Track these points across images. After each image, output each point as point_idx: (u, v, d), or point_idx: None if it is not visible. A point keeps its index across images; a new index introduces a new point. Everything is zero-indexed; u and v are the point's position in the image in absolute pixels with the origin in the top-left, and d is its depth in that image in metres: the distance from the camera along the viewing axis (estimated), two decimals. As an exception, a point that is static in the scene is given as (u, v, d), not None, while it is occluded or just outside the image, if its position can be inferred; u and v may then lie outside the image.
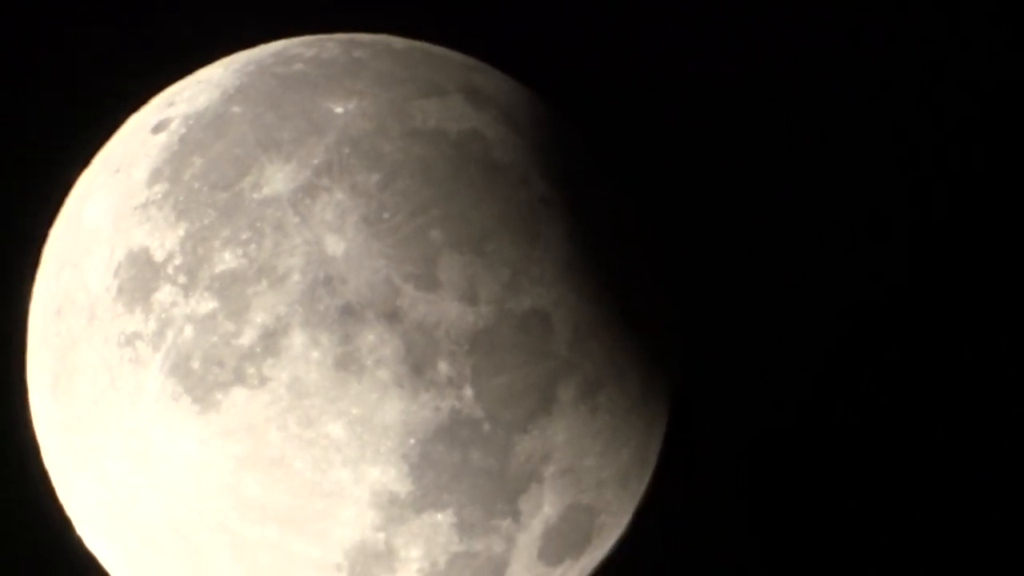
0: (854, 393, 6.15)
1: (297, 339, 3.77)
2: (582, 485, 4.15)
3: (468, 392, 3.85)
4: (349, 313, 3.78)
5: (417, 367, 3.79)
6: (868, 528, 6.06)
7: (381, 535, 3.91)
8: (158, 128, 4.26)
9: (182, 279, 3.87)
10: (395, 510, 3.88)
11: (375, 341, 3.77)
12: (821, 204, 6.23)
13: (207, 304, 3.83)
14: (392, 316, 3.78)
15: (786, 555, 6.04)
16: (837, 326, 6.19)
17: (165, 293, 3.89)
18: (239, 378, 3.80)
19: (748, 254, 6.14)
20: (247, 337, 3.79)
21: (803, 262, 6.17)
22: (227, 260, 3.84)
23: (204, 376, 3.82)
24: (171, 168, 4.07)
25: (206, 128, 4.13)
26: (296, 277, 3.79)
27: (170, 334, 3.87)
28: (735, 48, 6.21)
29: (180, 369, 3.85)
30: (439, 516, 3.92)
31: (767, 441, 6.07)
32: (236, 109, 4.14)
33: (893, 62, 6.33)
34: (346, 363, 3.77)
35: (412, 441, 3.82)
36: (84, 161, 4.58)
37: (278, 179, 3.90)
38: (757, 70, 6.19)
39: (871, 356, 6.18)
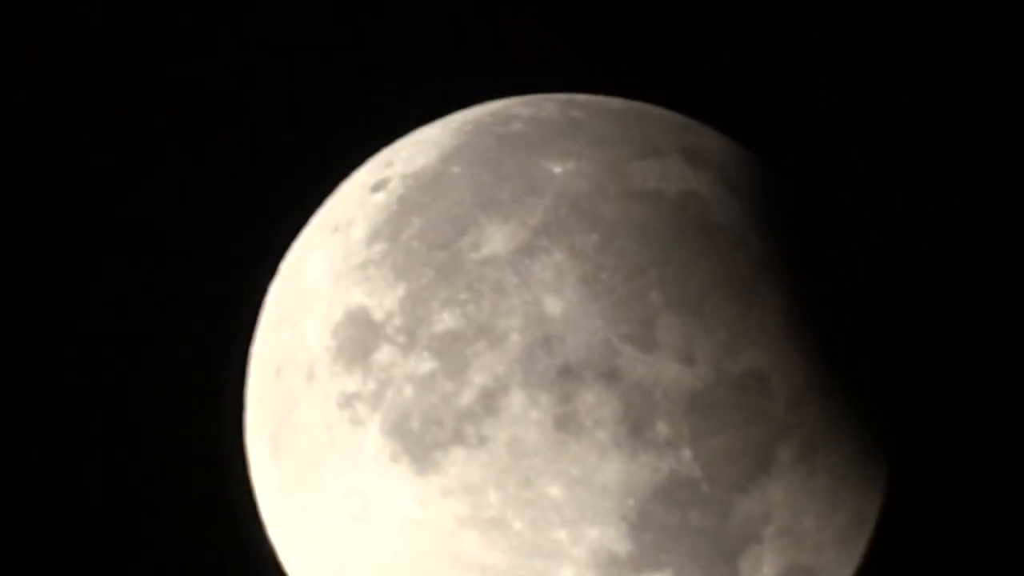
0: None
1: (516, 399, 3.76)
2: (802, 546, 4.09)
3: (686, 453, 3.80)
4: (568, 373, 3.75)
5: (636, 428, 3.76)
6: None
7: (600, 595, 3.88)
8: (377, 187, 4.29)
9: (401, 339, 3.89)
10: (614, 570, 3.85)
11: (594, 401, 3.75)
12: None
13: (426, 364, 3.84)
14: (611, 376, 3.75)
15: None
16: None
17: (384, 353, 3.91)
18: (458, 438, 3.80)
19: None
20: (466, 397, 3.79)
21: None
22: (446, 320, 3.85)
23: (423, 436, 3.84)
24: (390, 227, 4.10)
25: (425, 188, 4.16)
26: (515, 337, 3.79)
27: (389, 394, 3.88)
28: (938, 116, 6.13)
29: (399, 429, 3.87)
30: (658, 576, 3.88)
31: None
32: (455, 169, 4.16)
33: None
34: (565, 423, 3.75)
35: (631, 502, 3.79)
36: (302, 220, 4.65)
37: (497, 239, 3.91)
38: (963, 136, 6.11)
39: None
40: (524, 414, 3.77)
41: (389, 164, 4.40)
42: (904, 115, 6.06)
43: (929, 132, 6.07)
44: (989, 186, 6.08)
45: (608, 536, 3.82)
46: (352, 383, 3.97)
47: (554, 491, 3.78)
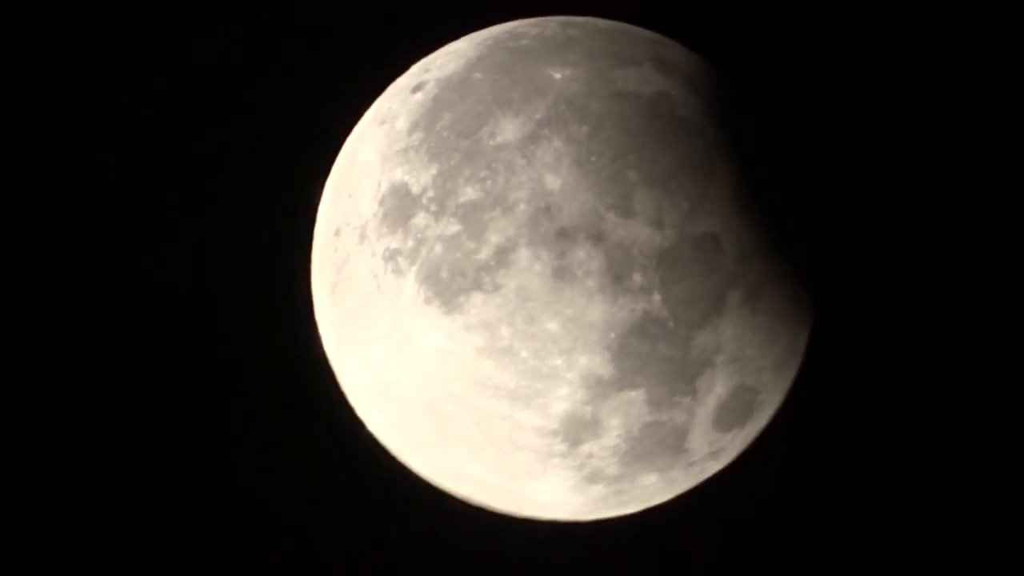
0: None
1: (523, 255, 4.18)
2: (746, 370, 4.50)
3: (656, 297, 4.19)
4: (564, 235, 4.15)
5: (617, 277, 4.16)
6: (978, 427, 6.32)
7: (588, 408, 4.32)
8: (416, 89, 4.69)
9: (434, 207, 4.31)
10: (599, 389, 4.27)
11: (584, 257, 4.16)
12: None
13: (453, 227, 4.27)
14: (597, 237, 4.15)
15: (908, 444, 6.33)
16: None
17: (420, 218, 4.33)
18: (477, 285, 4.22)
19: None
20: (484, 253, 4.22)
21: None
22: (469, 193, 4.26)
23: (450, 283, 4.25)
24: (426, 121, 4.49)
25: (454, 89, 4.53)
26: (523, 207, 4.19)
27: (424, 250, 4.30)
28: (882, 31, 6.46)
29: (431, 278, 4.28)
30: (633, 393, 4.31)
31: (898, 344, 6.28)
32: (477, 75, 4.53)
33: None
34: (561, 274, 4.16)
35: (612, 335, 4.20)
36: (358, 115, 5.06)
37: (509, 130, 4.28)
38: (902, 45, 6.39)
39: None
40: (529, 266, 4.15)
41: (426, 71, 4.77)
42: (841, 26, 6.39)
43: (868, 31, 6.39)
44: (926, 90, 6.37)
45: (595, 362, 4.21)
46: (395, 241, 4.35)
47: (552, 327, 4.17)
